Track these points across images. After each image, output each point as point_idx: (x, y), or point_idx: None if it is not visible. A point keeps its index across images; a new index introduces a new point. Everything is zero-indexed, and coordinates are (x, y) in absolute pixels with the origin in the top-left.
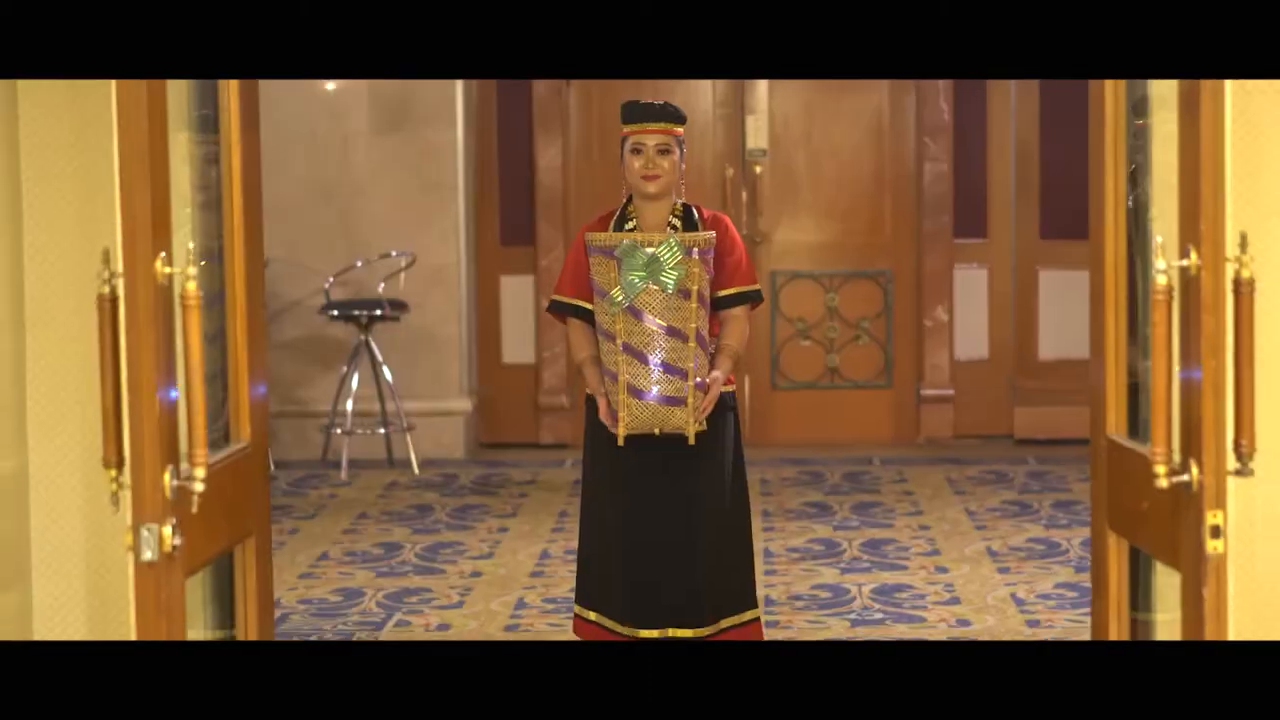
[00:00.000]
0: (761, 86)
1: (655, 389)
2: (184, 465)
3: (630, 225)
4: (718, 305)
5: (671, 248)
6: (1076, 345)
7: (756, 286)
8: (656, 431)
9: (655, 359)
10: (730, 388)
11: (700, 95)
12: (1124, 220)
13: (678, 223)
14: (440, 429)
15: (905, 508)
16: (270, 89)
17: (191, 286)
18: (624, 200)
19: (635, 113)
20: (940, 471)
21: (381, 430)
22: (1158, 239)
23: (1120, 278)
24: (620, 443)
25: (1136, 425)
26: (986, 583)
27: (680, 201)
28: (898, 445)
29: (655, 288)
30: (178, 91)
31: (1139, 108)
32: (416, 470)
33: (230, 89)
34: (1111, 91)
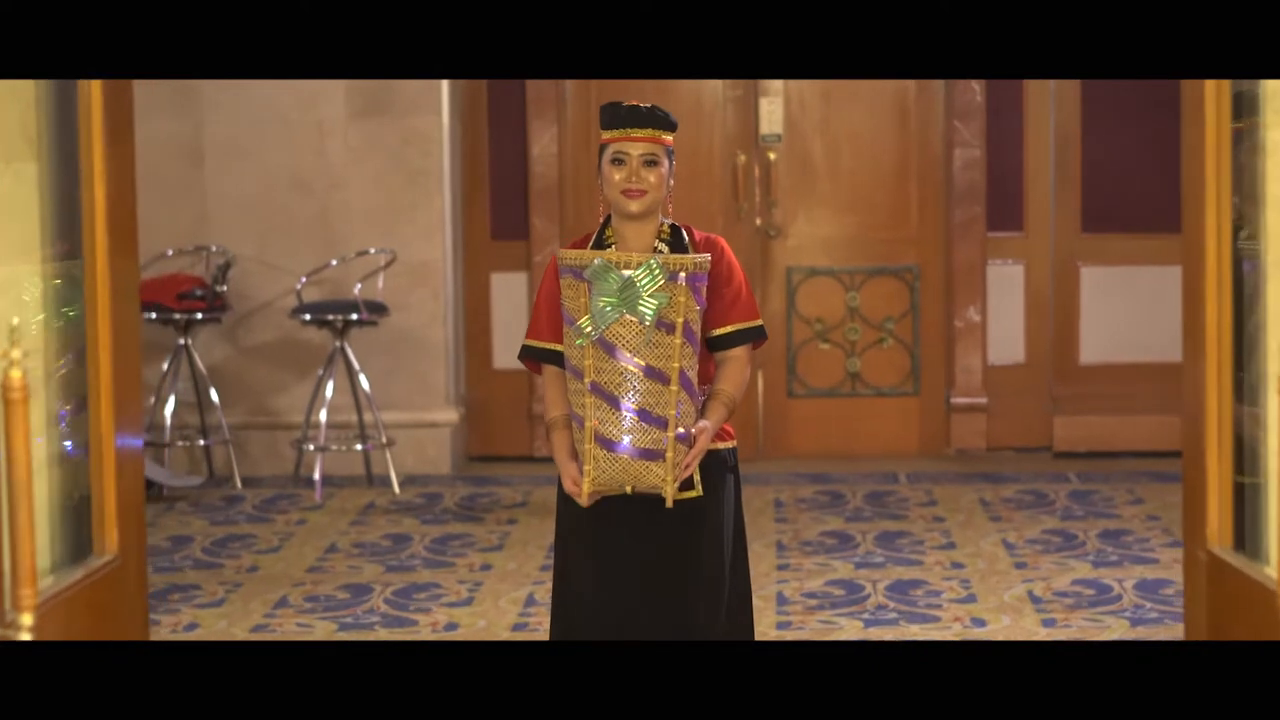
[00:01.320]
0: None
1: (627, 439)
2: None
3: (610, 249)
4: (713, 345)
5: (652, 271)
6: (1121, 348)
7: (758, 322)
8: (628, 490)
9: (629, 403)
10: (729, 444)
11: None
12: (1229, 254)
13: (665, 247)
14: (424, 442)
15: (935, 538)
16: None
17: (15, 375)
18: (601, 221)
19: (617, 116)
20: (973, 491)
21: (359, 447)
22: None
23: (1224, 331)
24: (584, 503)
25: (1244, 532)
26: (1030, 639)
27: (668, 222)
28: (925, 458)
29: (631, 318)
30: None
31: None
32: (397, 490)
33: (92, 93)
34: (1214, 92)
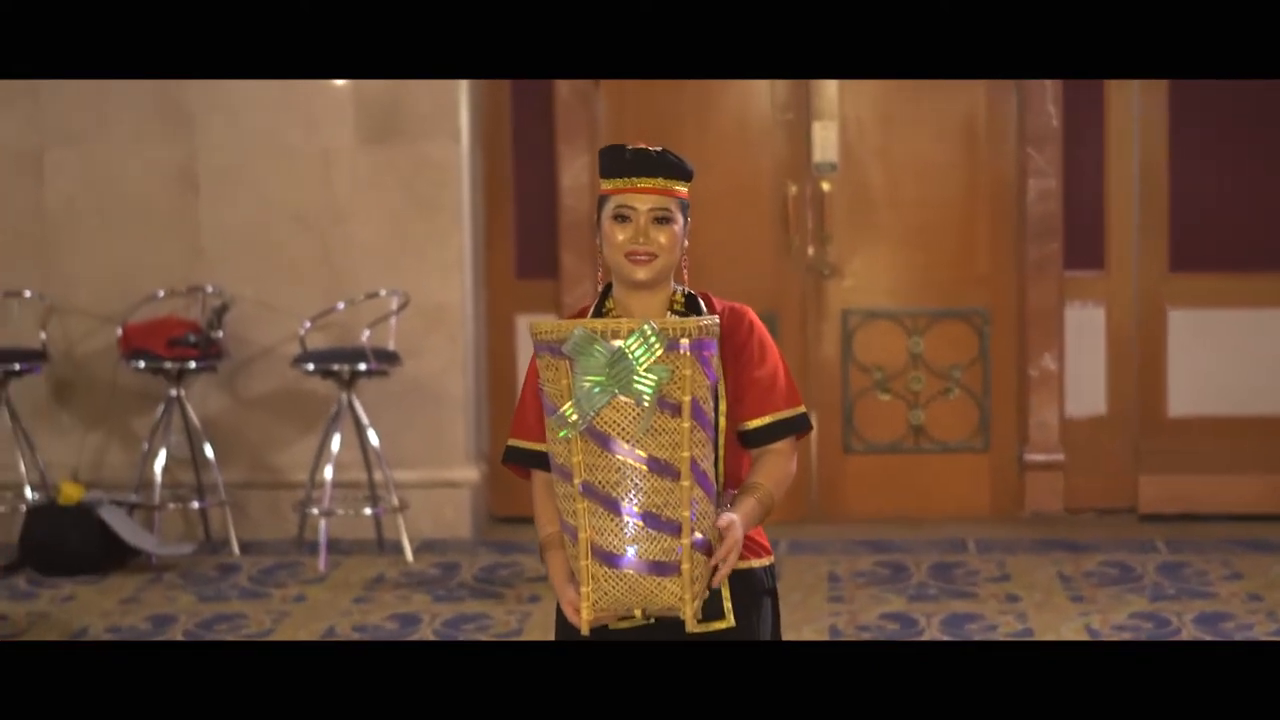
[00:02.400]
0: (831, 87)
1: (632, 551)
2: None
3: None
4: (748, 441)
5: (647, 339)
6: (1214, 399)
7: (801, 409)
8: (638, 614)
9: (631, 506)
10: (765, 561)
11: (757, 97)
12: None
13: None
14: (441, 503)
15: (1010, 623)
16: (233, 93)
17: None
18: (600, 289)
19: (619, 162)
20: (1050, 562)
21: (368, 511)
22: None
23: None
24: (584, 631)
25: None
26: None
27: (683, 289)
28: (996, 522)
29: (626, 399)
30: None
31: None
32: (410, 558)
33: None
34: None
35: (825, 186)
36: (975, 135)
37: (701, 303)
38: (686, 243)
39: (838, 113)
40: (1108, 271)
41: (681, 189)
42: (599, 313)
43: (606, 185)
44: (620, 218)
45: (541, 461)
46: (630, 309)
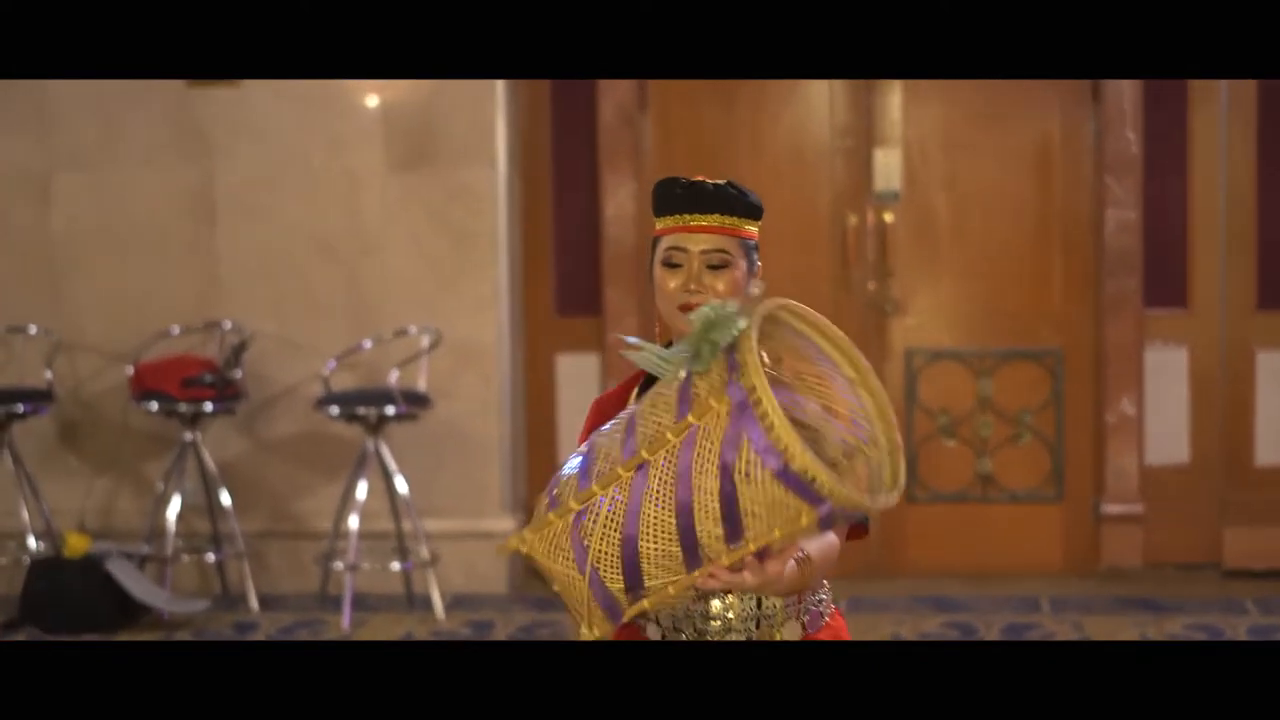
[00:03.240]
0: (894, 111)
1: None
2: None
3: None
4: None
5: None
6: None
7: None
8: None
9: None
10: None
11: (814, 121)
12: None
13: None
14: (475, 556)
15: None
16: (253, 113)
17: None
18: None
19: (671, 198)
20: (1131, 624)
21: (396, 565)
22: None
23: None
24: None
25: None
26: None
27: None
28: (1071, 578)
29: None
30: None
31: None
32: (441, 615)
33: None
34: None
35: (887, 217)
36: (1049, 162)
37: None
38: (755, 289)
39: (901, 138)
40: (1191, 309)
41: (747, 228)
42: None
43: (660, 225)
44: (671, 264)
45: None
46: None
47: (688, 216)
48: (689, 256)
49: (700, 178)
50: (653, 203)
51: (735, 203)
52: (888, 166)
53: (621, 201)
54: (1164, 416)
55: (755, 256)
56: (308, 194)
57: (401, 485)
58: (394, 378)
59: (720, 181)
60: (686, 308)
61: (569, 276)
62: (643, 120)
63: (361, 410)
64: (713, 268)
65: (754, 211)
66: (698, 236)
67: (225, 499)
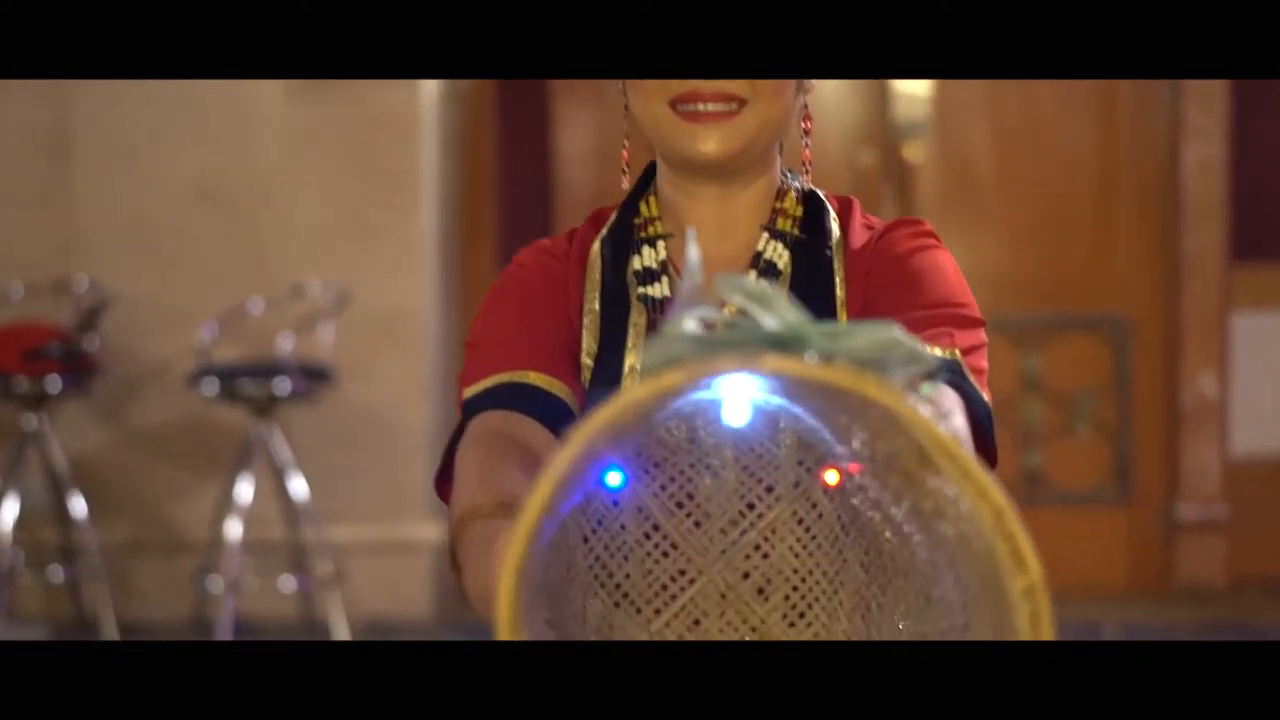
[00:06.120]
0: None
1: None
2: None
3: (651, 252)
4: None
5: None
6: None
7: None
8: None
9: None
10: None
11: None
12: None
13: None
14: (393, 572)
15: None
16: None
17: None
18: (638, 180)
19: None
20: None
21: (291, 583)
22: None
23: None
24: None
25: None
26: None
27: (802, 185)
28: (1138, 597)
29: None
30: None
31: None
32: None
33: None
34: None
35: (911, 156)
36: (1114, 89)
37: (826, 201)
38: (808, 124)
39: None
40: None
41: None
42: (623, 220)
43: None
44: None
45: (515, 398)
46: (685, 214)
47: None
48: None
49: None
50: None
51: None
52: (910, 94)
53: (579, 135)
54: (1255, 398)
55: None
56: (190, 129)
57: (299, 484)
58: (287, 345)
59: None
60: (689, 103)
61: (514, 228)
62: None
63: (245, 387)
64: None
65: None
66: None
67: (78, 503)
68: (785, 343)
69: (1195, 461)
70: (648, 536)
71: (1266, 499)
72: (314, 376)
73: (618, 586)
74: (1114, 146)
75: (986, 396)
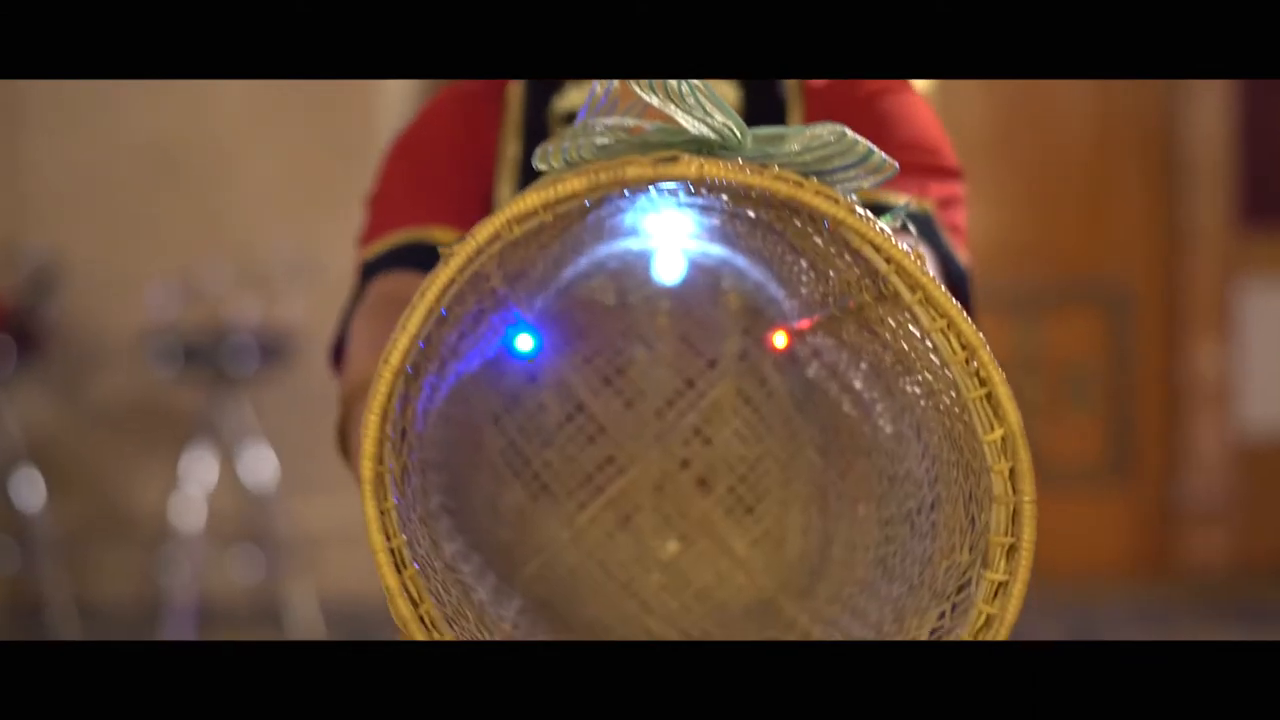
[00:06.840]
0: None
1: None
2: None
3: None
4: None
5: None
6: None
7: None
8: None
9: None
10: None
11: None
12: None
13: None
14: (362, 554)
15: None
16: None
17: None
18: None
19: None
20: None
21: (255, 565)
22: None
23: None
24: None
25: None
26: None
27: None
28: (1138, 585)
29: None
30: None
31: None
32: (318, 633)
33: None
34: None
35: None
36: None
37: None
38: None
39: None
40: None
41: None
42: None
43: None
44: None
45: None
46: None
47: None
48: None
49: None
50: None
51: None
52: None
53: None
54: (1261, 375)
55: None
56: (145, 86)
57: (263, 460)
58: (249, 315)
59: None
60: None
61: None
62: None
63: (203, 358)
64: None
65: None
66: None
67: (26, 483)
68: (713, 148)
69: (1199, 442)
70: (570, 418)
71: (1273, 481)
72: (275, 348)
73: (536, 476)
74: (1112, 103)
75: (963, 258)
